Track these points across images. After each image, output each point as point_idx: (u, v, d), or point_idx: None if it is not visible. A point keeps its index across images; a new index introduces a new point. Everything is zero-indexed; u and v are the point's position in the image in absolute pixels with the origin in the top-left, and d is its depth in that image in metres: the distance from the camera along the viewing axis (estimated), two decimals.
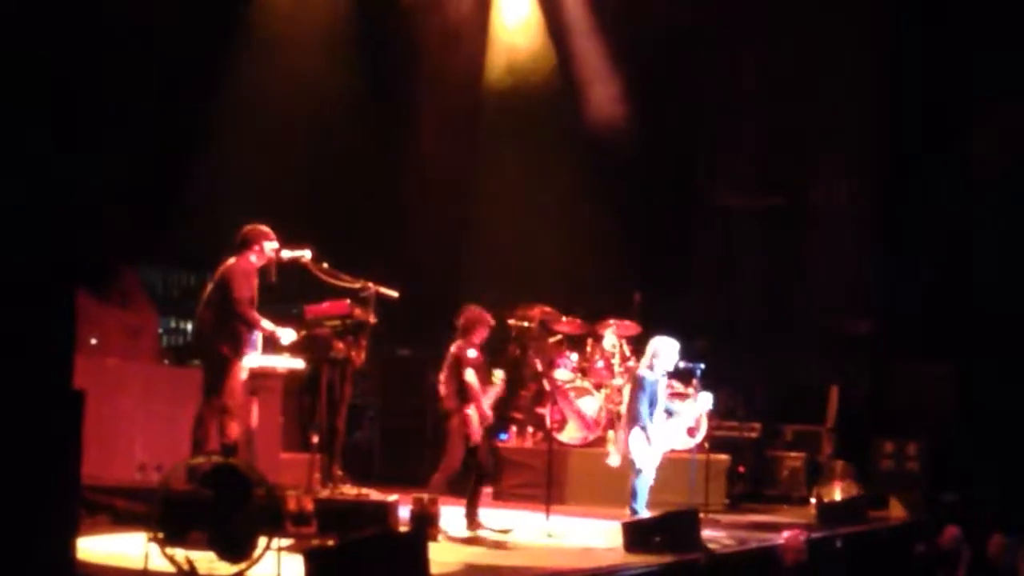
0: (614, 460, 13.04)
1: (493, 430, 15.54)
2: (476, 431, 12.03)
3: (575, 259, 18.18)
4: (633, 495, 12.43)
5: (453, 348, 12.20)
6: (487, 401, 12.19)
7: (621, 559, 10.87)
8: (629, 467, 12.57)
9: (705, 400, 13.32)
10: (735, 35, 19.21)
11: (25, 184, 7.07)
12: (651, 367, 12.63)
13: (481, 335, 12.27)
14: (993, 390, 17.20)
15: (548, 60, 19.01)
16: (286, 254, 11.62)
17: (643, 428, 12.41)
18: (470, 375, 12.04)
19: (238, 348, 11.43)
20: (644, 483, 12.49)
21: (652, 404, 12.50)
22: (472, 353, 12.13)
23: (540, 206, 18.70)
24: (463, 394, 12.03)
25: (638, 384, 12.55)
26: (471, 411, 12.00)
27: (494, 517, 12.50)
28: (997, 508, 14.25)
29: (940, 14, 18.24)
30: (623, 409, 13.87)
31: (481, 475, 12.36)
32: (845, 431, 16.90)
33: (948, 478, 16.32)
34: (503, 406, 16.14)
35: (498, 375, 12.46)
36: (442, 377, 12.23)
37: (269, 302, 11.81)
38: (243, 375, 11.62)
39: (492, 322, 12.44)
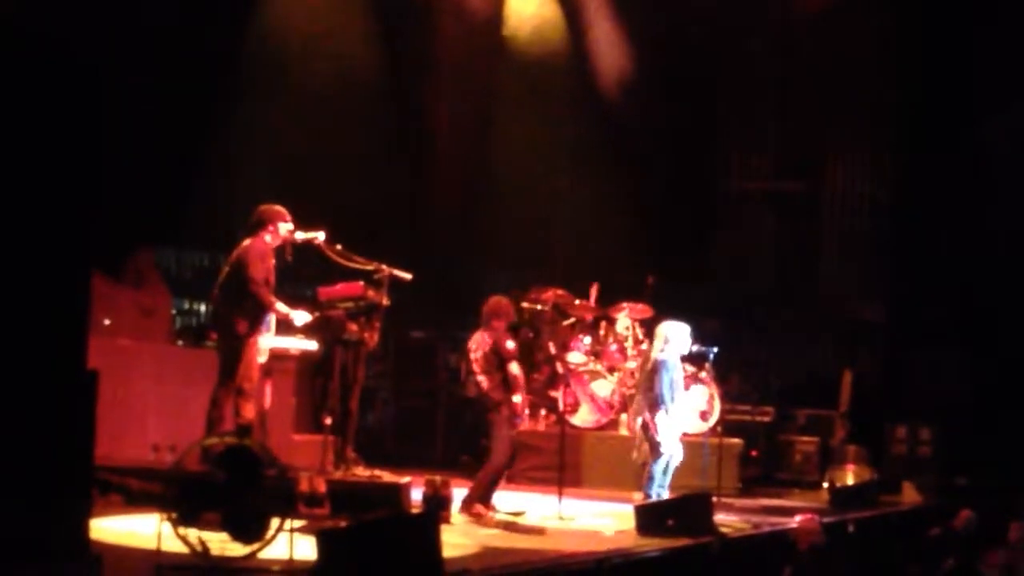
0: (637, 455, 12.93)
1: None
2: (524, 419, 12.07)
3: (589, 242, 18.17)
4: (649, 479, 12.38)
5: (488, 338, 12.02)
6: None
7: (633, 542, 10.88)
8: (649, 452, 12.50)
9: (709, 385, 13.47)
10: (754, 21, 19.19)
11: (40, 165, 7.07)
12: (664, 351, 12.58)
13: (506, 323, 12.19)
14: (1006, 375, 17.20)
15: (565, 43, 18.96)
16: (300, 236, 11.60)
17: (667, 412, 12.37)
18: (516, 368, 11.98)
19: (254, 329, 11.44)
20: (662, 467, 12.44)
21: (672, 388, 12.46)
22: (511, 344, 12.07)
23: (555, 189, 18.69)
24: (508, 385, 11.94)
25: (660, 367, 12.46)
26: (518, 399, 11.95)
27: (507, 500, 12.50)
28: (1010, 493, 14.23)
29: (957, 2, 18.24)
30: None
31: (510, 463, 12.25)
32: (858, 416, 16.88)
33: (961, 463, 16.31)
34: None
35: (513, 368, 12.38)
36: (477, 369, 11.94)
37: (283, 283, 11.81)
38: (262, 357, 11.63)
39: (513, 310, 12.39)
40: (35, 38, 7.06)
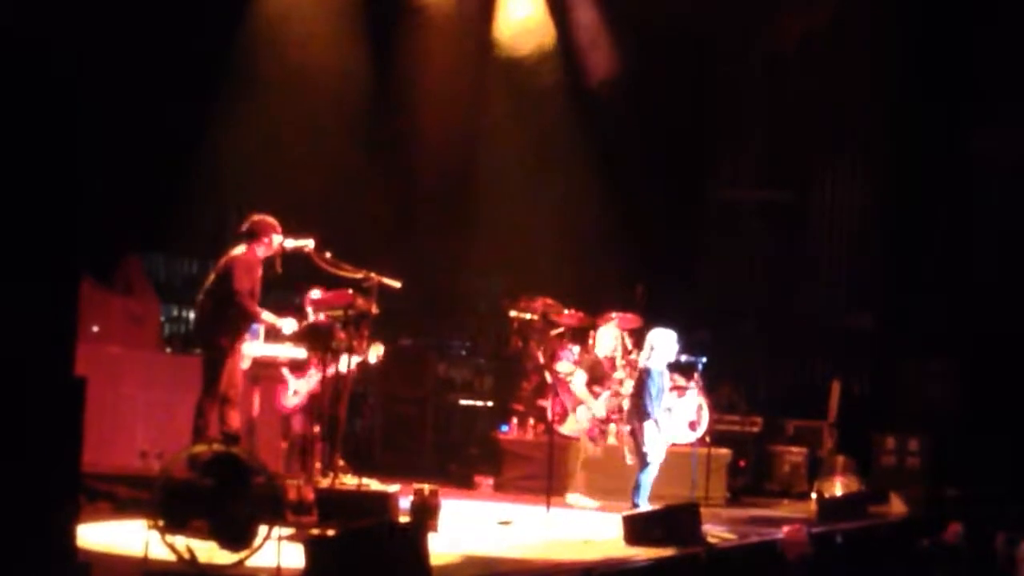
0: (630, 459, 12.97)
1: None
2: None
3: (578, 251, 18.16)
4: (636, 488, 12.43)
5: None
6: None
7: (621, 552, 10.87)
8: (638, 461, 12.56)
9: (693, 395, 13.43)
10: (743, 31, 19.21)
11: (29, 171, 7.06)
12: (650, 359, 12.63)
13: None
14: (994, 385, 17.19)
15: (555, 50, 18.94)
16: (289, 244, 11.63)
17: (655, 421, 12.41)
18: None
19: (236, 338, 11.45)
20: (649, 476, 12.48)
21: (658, 396, 12.50)
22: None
23: (544, 198, 18.68)
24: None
25: (645, 376, 12.51)
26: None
27: (495, 509, 12.48)
28: (999, 504, 14.23)
29: (946, 12, 18.26)
30: (625, 403, 13.90)
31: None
32: (846, 426, 16.89)
33: (949, 474, 16.31)
34: (508, 397, 16.21)
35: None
36: None
37: (272, 291, 11.82)
38: (244, 364, 11.63)
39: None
40: (12, 43, 7.06)
